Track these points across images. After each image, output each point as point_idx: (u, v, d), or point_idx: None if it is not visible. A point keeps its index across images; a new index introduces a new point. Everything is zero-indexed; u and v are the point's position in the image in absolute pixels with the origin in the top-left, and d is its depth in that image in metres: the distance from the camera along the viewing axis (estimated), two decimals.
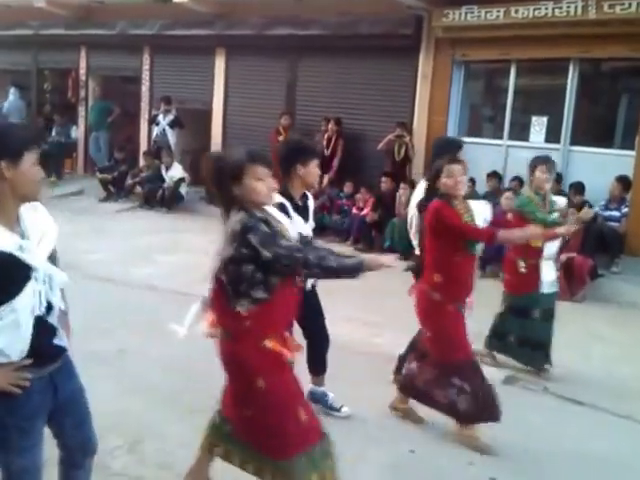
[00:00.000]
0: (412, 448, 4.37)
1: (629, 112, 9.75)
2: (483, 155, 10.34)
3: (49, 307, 2.63)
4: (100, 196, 13.78)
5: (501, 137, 10.63)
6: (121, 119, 15.39)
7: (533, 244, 5.51)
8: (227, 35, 12.95)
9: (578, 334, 7.01)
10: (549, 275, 5.67)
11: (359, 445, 4.36)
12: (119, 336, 5.84)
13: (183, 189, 13.04)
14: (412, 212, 5.10)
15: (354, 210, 10.83)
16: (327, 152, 11.51)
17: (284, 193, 4.10)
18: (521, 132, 10.50)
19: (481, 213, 4.46)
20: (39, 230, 2.63)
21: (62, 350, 2.74)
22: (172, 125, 13.41)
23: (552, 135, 10.09)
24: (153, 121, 13.80)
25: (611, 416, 5.05)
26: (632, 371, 6.00)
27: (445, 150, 5.04)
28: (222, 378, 3.27)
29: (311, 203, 4.41)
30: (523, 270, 5.60)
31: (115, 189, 13.88)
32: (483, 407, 4.40)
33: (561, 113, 9.94)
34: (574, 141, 9.98)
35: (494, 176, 10.21)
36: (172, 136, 13.44)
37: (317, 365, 4.73)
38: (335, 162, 11.60)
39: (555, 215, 5.64)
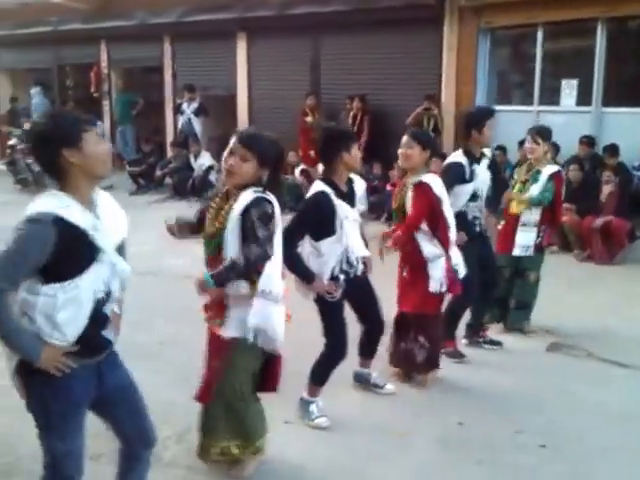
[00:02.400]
0: (460, 420, 4.37)
1: None
2: (513, 122, 10.11)
3: (107, 295, 2.67)
4: (130, 190, 13.85)
5: (531, 103, 10.43)
6: (146, 110, 15.42)
7: (510, 211, 5.79)
8: (247, 18, 12.86)
9: (618, 297, 6.98)
10: (522, 240, 5.70)
11: (406, 420, 4.39)
12: (160, 327, 5.87)
13: (212, 176, 13.03)
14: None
15: (388, 187, 10.71)
16: (354, 130, 11.39)
17: (327, 181, 4.14)
18: (551, 96, 10.30)
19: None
20: (111, 217, 2.70)
21: (109, 343, 2.78)
22: (197, 113, 13.38)
23: (583, 98, 9.89)
24: (178, 110, 13.80)
25: None
26: None
27: (478, 119, 5.15)
28: None
29: (358, 186, 4.35)
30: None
31: (145, 181, 13.95)
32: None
33: (591, 75, 9.72)
34: (606, 102, 9.77)
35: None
36: (198, 124, 13.40)
37: (368, 350, 4.69)
38: (362, 140, 11.47)
39: (532, 191, 5.68)
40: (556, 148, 9.13)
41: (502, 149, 9.96)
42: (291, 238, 3.91)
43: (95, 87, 16.32)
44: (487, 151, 5.39)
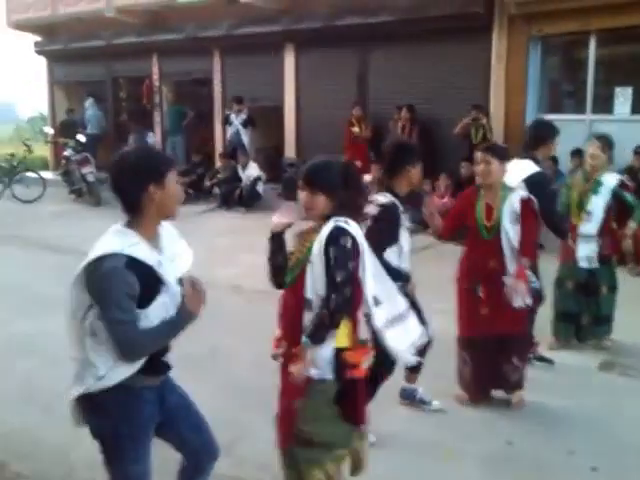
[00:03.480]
0: (508, 439, 4.27)
1: None
2: (565, 132, 9.78)
3: None
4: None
5: (584, 112, 10.22)
6: (195, 122, 15.63)
7: (573, 221, 5.65)
8: (295, 30, 12.96)
9: None
10: (584, 251, 5.61)
11: (454, 438, 4.31)
12: (209, 337, 5.84)
13: (260, 187, 13.12)
14: None
15: (435, 198, 10.61)
16: None
17: (391, 192, 4.15)
18: (605, 105, 10.06)
19: None
20: (174, 250, 2.78)
21: (168, 367, 2.86)
22: (245, 124, 13.49)
23: (638, 106, 9.63)
24: (226, 122, 13.93)
25: None
26: None
27: (552, 132, 5.22)
28: None
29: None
30: (570, 243, 5.69)
31: (193, 192, 14.11)
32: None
33: None
34: None
35: (578, 154, 9.80)
36: (246, 135, 13.52)
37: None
38: None
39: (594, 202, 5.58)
40: (610, 159, 8.90)
41: (554, 159, 9.76)
42: (382, 250, 3.93)
43: (147, 99, 16.64)
44: None
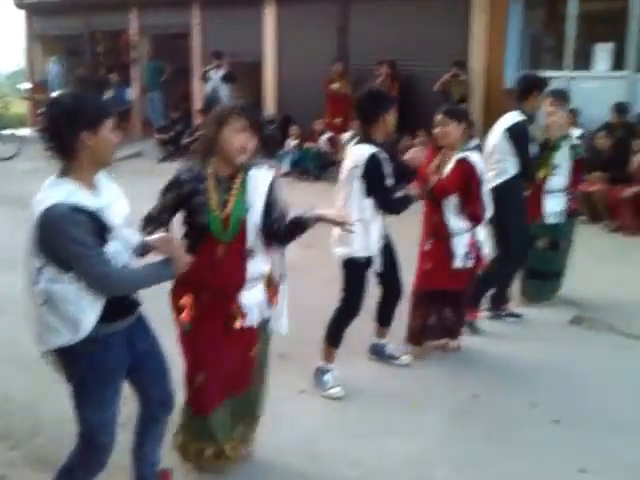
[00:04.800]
0: (474, 393, 4.33)
1: None
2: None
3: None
4: (158, 156, 13.88)
5: (563, 67, 10.10)
6: (174, 77, 15.38)
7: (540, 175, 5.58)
8: None
9: None
10: (552, 206, 5.59)
11: (421, 392, 4.36)
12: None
13: None
14: None
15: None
16: None
17: (369, 141, 4.18)
18: (584, 61, 9.97)
19: None
20: (112, 196, 2.72)
21: (137, 304, 2.83)
22: (224, 80, 13.28)
23: (617, 62, 9.56)
24: (205, 77, 13.73)
25: None
26: None
27: (541, 83, 5.24)
28: None
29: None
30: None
31: (173, 148, 13.96)
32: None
33: (626, 38, 9.38)
34: None
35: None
36: (225, 91, 13.32)
37: (383, 316, 4.69)
38: None
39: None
40: (574, 114, 8.88)
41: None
42: (385, 193, 4.17)
43: (125, 54, 16.34)
44: None
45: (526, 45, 10.71)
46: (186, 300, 3.09)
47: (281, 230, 3.17)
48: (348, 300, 4.30)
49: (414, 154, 4.58)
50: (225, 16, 14.07)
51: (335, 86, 12.06)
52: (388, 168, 4.17)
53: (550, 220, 5.62)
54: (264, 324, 3.33)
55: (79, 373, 2.68)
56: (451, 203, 4.56)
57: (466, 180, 4.52)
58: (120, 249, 2.66)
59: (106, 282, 2.55)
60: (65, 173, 2.60)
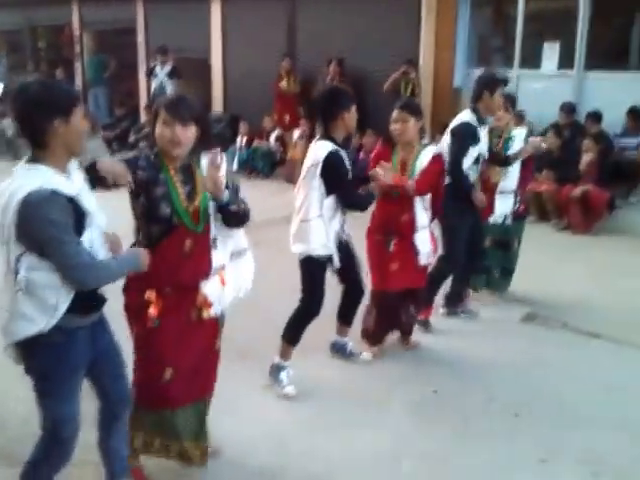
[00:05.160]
0: (434, 388, 4.35)
1: None
2: None
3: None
4: (104, 154, 13.53)
5: (511, 66, 10.12)
6: (119, 73, 15.06)
7: (492, 179, 5.58)
8: None
9: (595, 267, 6.92)
10: (501, 208, 5.60)
11: (383, 388, 4.37)
12: None
13: None
14: None
15: (361, 155, 10.45)
16: None
17: (331, 140, 4.12)
18: (532, 60, 10.00)
19: None
20: (82, 184, 2.69)
21: (103, 300, 2.80)
22: (170, 76, 12.96)
23: (565, 61, 9.64)
24: (151, 73, 13.42)
25: (630, 349, 4.98)
26: None
27: (493, 81, 5.10)
28: None
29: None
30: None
31: (118, 146, 13.62)
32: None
33: (574, 37, 9.47)
34: (588, 66, 9.52)
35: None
36: (171, 87, 13.03)
37: (345, 314, 4.66)
38: None
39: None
40: (520, 116, 8.99)
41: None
42: (347, 190, 4.16)
43: (67, 49, 15.93)
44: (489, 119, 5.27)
45: (475, 44, 10.75)
46: (151, 295, 3.00)
47: (240, 209, 3.14)
48: (308, 300, 4.23)
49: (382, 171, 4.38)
50: (171, 11, 13.83)
51: (284, 84, 11.95)
52: (347, 165, 4.12)
53: (500, 220, 5.64)
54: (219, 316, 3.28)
55: (43, 365, 2.66)
56: (424, 199, 4.53)
57: (440, 174, 4.55)
58: (96, 236, 2.66)
59: (82, 272, 2.54)
60: (36, 160, 2.56)
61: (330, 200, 4.11)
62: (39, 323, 2.56)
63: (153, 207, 2.96)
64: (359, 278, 4.49)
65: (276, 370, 4.27)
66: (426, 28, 10.61)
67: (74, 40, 15.73)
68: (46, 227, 2.44)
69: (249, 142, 12.11)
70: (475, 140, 4.98)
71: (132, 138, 13.43)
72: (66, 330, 2.61)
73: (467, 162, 5.00)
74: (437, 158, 4.55)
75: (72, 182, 2.59)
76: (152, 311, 3.00)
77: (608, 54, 9.93)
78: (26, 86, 2.56)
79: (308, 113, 11.21)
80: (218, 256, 3.16)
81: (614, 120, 8.97)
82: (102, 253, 2.69)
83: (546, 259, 7.04)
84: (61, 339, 2.62)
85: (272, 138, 11.86)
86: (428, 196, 4.58)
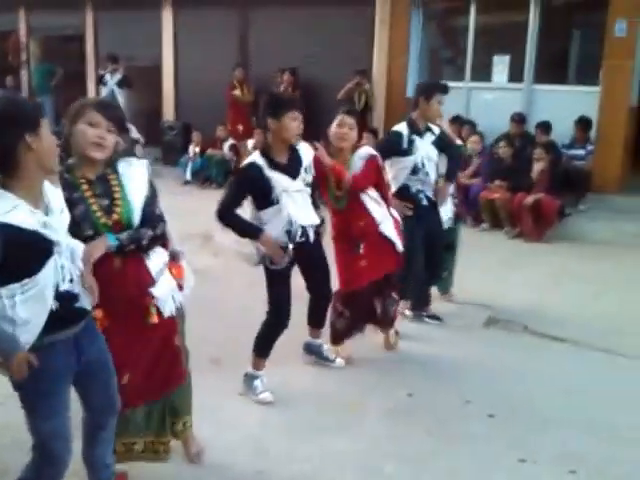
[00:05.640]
0: (409, 392, 4.38)
1: (591, 47, 9.62)
2: (445, 99, 10.14)
3: (71, 279, 2.57)
4: None
5: (463, 79, 10.41)
6: (66, 82, 14.76)
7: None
8: None
9: (548, 273, 7.09)
10: (446, 212, 5.63)
11: (357, 393, 4.37)
12: None
13: (138, 151, 12.58)
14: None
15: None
16: None
17: (262, 152, 4.06)
18: (483, 73, 10.30)
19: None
20: (59, 203, 2.57)
21: (84, 312, 2.68)
22: (120, 85, 12.82)
23: (515, 74, 9.95)
24: (100, 81, 13.23)
25: (591, 351, 5.11)
26: (606, 306, 6.08)
27: (428, 89, 5.14)
28: None
29: (306, 155, 4.19)
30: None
31: (66, 155, 13.32)
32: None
33: (523, 51, 9.80)
34: (537, 79, 9.87)
35: (456, 120, 10.07)
36: (121, 96, 12.84)
37: (314, 319, 4.64)
38: None
39: None
40: (472, 125, 9.27)
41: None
42: (227, 208, 3.97)
43: (13, 56, 15.56)
44: (435, 127, 5.24)
45: (427, 56, 10.99)
46: (98, 313, 2.88)
47: (156, 236, 3.00)
48: (273, 312, 4.19)
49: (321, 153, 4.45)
50: (122, 19, 13.65)
51: (237, 93, 11.95)
52: (263, 179, 3.98)
53: (445, 225, 5.67)
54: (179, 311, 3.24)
55: (25, 381, 2.51)
56: (372, 198, 4.56)
57: (378, 172, 4.59)
58: (67, 261, 2.53)
59: None
60: (5, 186, 2.39)
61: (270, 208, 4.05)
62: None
63: (76, 229, 2.75)
64: (324, 281, 4.41)
65: (250, 379, 4.25)
66: (379, 39, 10.79)
67: (20, 47, 15.38)
68: None
69: (202, 151, 12.05)
70: (398, 151, 5.02)
71: None
72: (40, 348, 2.49)
73: (403, 173, 5.06)
74: (371, 157, 4.55)
75: (41, 208, 2.45)
76: (99, 327, 2.89)
77: (556, 68, 10.31)
78: None
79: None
80: (155, 261, 3.05)
81: (562, 131, 9.29)
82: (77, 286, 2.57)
83: (501, 265, 7.23)
84: (40, 355, 2.48)
85: (226, 147, 11.82)
86: (376, 193, 4.59)
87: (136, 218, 2.91)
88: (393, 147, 5.04)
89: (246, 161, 4.10)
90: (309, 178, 4.21)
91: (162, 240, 3.09)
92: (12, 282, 2.39)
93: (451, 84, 10.24)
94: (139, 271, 2.98)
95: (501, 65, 10.04)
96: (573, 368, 4.83)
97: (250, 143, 11.54)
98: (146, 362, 3.12)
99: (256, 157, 4.02)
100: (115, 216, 2.86)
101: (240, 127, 12.02)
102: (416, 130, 5.06)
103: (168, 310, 3.10)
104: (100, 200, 2.86)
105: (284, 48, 11.67)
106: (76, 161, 2.91)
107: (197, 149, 12.07)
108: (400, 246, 4.65)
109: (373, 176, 4.55)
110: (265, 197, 4.00)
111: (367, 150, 4.62)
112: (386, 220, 4.62)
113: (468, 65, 10.33)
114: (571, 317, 5.76)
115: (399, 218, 4.77)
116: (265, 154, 4.02)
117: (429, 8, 10.78)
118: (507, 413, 4.12)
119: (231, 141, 11.83)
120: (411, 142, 5.03)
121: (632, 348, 5.09)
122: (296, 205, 4.08)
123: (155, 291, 3.03)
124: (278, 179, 3.98)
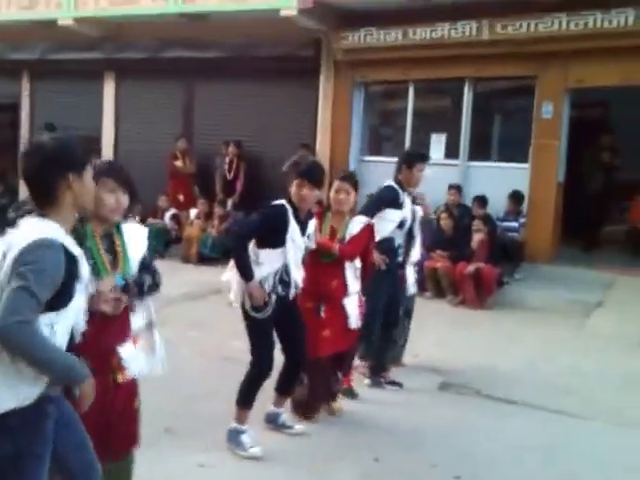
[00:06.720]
0: (375, 456, 4.38)
1: (521, 127, 10.24)
2: (385, 174, 10.46)
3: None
4: None
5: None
6: None
7: None
8: (116, 58, 12.61)
9: (493, 338, 7.37)
10: (412, 277, 5.87)
11: (324, 459, 4.34)
12: None
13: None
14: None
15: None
16: (230, 176, 11.51)
17: (290, 202, 4.28)
18: (421, 149, 10.68)
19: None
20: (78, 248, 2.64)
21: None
22: None
23: (451, 151, 10.47)
24: None
25: (543, 412, 5.28)
26: (551, 368, 6.35)
27: (411, 157, 5.50)
28: None
29: (311, 225, 4.46)
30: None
31: None
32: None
33: (458, 130, 10.36)
34: (472, 156, 10.42)
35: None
36: None
37: (286, 387, 4.63)
38: (238, 185, 11.51)
39: None
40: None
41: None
42: (248, 237, 4.25)
43: None
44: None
45: (368, 133, 11.43)
46: None
47: (155, 284, 3.19)
48: (256, 362, 4.28)
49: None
50: (59, 89, 13.68)
51: (178, 163, 12.03)
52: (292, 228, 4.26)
53: (411, 291, 5.89)
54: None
55: (15, 445, 2.39)
56: (353, 265, 4.73)
57: (369, 242, 4.78)
58: (82, 305, 2.58)
59: (12, 328, 2.22)
60: (44, 217, 2.49)
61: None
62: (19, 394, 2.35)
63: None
64: (301, 347, 4.45)
65: (235, 434, 4.25)
66: (323, 116, 11.16)
67: None
68: (31, 267, 2.29)
69: (142, 221, 11.97)
70: (395, 203, 5.33)
71: (12, 214, 12.83)
72: (38, 405, 2.40)
73: (392, 226, 5.32)
74: (368, 227, 4.83)
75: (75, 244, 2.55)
76: None
77: (489, 146, 10.93)
78: (43, 141, 2.53)
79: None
80: (136, 319, 3.15)
81: (496, 204, 9.78)
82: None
83: (447, 332, 7.45)
84: (34, 415, 2.41)
85: (167, 217, 11.81)
86: (358, 265, 4.80)
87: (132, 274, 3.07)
88: (394, 199, 5.33)
89: (276, 202, 4.29)
90: (309, 244, 4.46)
91: (158, 290, 3.21)
92: (50, 311, 2.40)
93: (391, 159, 10.78)
94: (124, 325, 3.06)
95: (438, 143, 10.54)
96: (528, 428, 4.96)
97: (193, 213, 11.60)
98: (108, 423, 3.05)
99: (286, 203, 4.25)
100: (118, 270, 3.01)
101: (181, 197, 12.08)
102: (403, 188, 5.40)
103: (130, 373, 3.09)
104: (107, 255, 3.02)
105: (229, 121, 11.92)
106: (87, 216, 2.99)
107: (137, 218, 11.97)
108: (355, 323, 4.80)
109: (364, 244, 4.77)
110: (276, 237, 4.22)
111: (364, 219, 4.88)
112: (354, 294, 4.80)
113: (407, 142, 10.77)
114: (519, 380, 5.97)
115: (363, 301, 4.93)
116: (292, 204, 4.26)
117: (371, 88, 11.28)
118: (473, 475, 4.18)
119: (173, 211, 11.84)
120: (401, 197, 5.36)
121: (579, 408, 5.32)
122: (295, 257, 4.30)
123: (122, 352, 3.05)
124: (294, 227, 4.25)
